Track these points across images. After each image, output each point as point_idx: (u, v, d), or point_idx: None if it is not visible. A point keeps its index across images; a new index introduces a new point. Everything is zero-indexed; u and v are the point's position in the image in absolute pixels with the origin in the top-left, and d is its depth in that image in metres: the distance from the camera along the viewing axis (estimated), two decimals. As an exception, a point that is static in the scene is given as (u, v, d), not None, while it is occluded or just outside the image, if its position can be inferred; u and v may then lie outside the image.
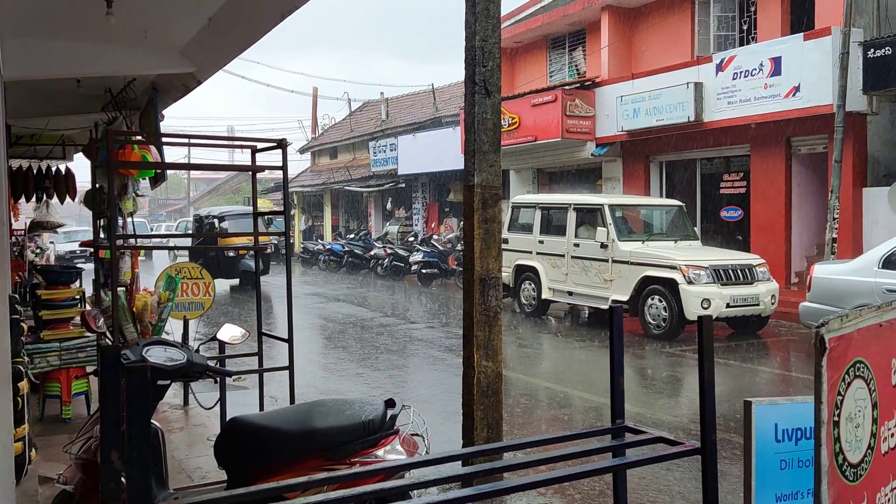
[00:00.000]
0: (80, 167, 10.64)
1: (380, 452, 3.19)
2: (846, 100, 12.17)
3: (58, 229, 12.32)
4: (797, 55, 12.97)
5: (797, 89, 12.98)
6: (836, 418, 1.85)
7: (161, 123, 6.61)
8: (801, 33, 13.23)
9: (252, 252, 15.94)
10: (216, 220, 20.05)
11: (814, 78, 12.71)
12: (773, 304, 11.00)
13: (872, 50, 12.32)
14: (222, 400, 5.73)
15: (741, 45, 15.14)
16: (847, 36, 12.15)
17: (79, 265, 8.93)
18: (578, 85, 17.50)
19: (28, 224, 11.21)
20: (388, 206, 27.85)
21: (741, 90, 13.90)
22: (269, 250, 18.88)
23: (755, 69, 13.64)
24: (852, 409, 1.91)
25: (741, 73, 13.90)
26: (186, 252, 25.99)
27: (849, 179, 12.93)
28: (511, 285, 13.63)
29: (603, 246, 11.88)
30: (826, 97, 12.52)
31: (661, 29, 16.72)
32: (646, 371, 9.14)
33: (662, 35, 16.72)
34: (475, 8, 5.05)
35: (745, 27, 15.42)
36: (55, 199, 9.39)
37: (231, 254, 18.04)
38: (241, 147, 5.82)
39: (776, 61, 13.26)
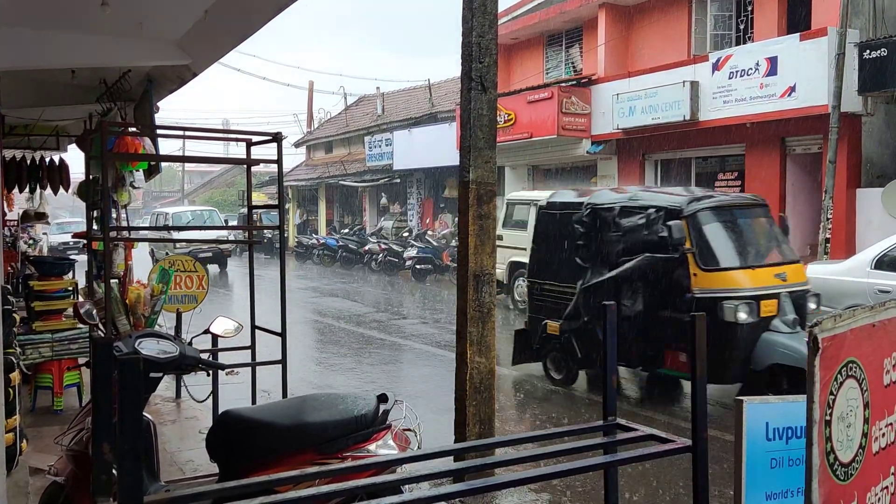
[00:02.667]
0: (74, 158, 10.61)
1: (372, 447, 3.19)
2: (841, 100, 12.20)
3: (49, 220, 12.27)
4: (793, 55, 12.99)
5: (793, 89, 13.00)
6: (827, 418, 1.86)
7: (156, 115, 6.58)
8: (798, 33, 13.25)
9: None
10: (633, 218, 7.57)
11: (809, 78, 12.73)
12: (765, 303, 10.92)
13: (868, 51, 12.35)
14: (214, 393, 5.72)
15: (738, 44, 15.16)
16: (843, 37, 12.17)
17: (72, 256, 8.90)
18: (575, 82, 17.50)
19: (21, 214, 11.18)
20: (383, 201, 27.82)
21: (737, 89, 13.92)
22: None
23: (751, 69, 13.66)
24: (844, 409, 1.92)
25: (737, 72, 13.92)
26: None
27: (843, 180, 12.97)
28: (505, 282, 13.63)
29: (597, 243, 11.82)
30: (821, 97, 12.55)
31: (658, 27, 16.73)
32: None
33: (659, 33, 16.73)
34: (472, 4, 5.04)
35: (741, 26, 15.44)
36: (49, 190, 9.35)
37: (746, 315, 6.81)
38: (237, 140, 5.81)
39: (772, 61, 13.28)
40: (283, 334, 5.18)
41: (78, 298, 6.61)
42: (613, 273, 7.36)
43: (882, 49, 12.20)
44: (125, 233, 6.26)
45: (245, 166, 5.75)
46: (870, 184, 13.21)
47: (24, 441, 4.97)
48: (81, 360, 6.48)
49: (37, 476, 4.57)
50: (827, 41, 12.48)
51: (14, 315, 5.65)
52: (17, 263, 9.19)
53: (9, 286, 7.08)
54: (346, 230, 26.95)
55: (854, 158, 13.24)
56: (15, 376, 4.64)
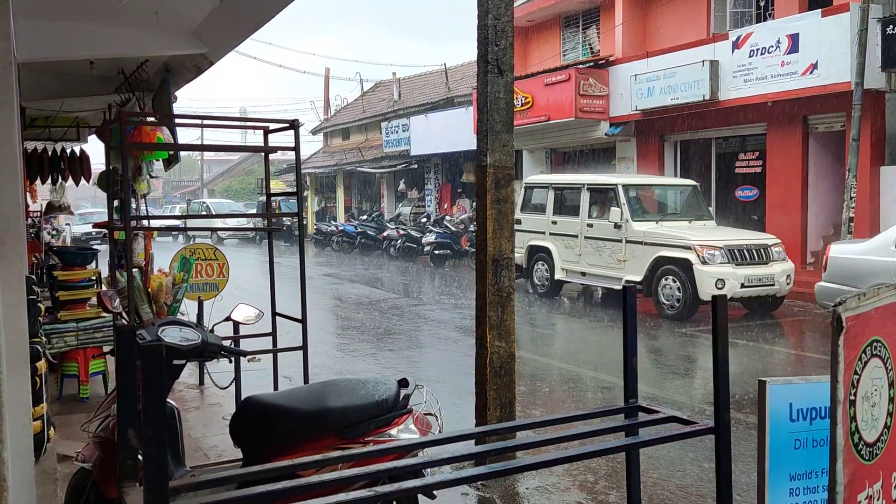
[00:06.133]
0: (95, 149, 10.70)
1: (393, 431, 3.21)
2: (864, 77, 12.00)
3: (73, 211, 12.40)
4: (815, 32, 12.78)
5: (815, 67, 12.80)
6: (852, 397, 1.84)
7: (174, 105, 6.62)
8: (819, 10, 13.03)
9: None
10: None
11: (831, 55, 12.53)
12: (788, 284, 10.92)
13: (891, 26, 12.12)
14: (237, 380, 5.78)
15: (758, 21, 14.94)
16: (866, 12, 11.95)
17: (94, 246, 9.00)
18: (592, 64, 17.35)
19: (44, 206, 11.30)
20: (401, 187, 27.83)
21: (757, 68, 13.73)
22: None
23: (772, 46, 13.46)
24: (869, 389, 1.90)
25: (758, 50, 13.72)
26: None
27: (866, 158, 12.78)
28: (524, 266, 13.61)
29: (617, 226, 11.83)
30: (844, 74, 12.35)
31: (677, 6, 16.52)
32: (659, 351, 9.12)
33: (678, 12, 16.52)
34: (488, -15, 4.99)
35: (762, 3, 15.21)
36: (70, 181, 9.44)
37: None
38: (254, 128, 5.81)
39: (793, 38, 13.08)
40: (303, 321, 5.21)
41: (101, 288, 6.68)
42: None
43: (906, 24, 11.97)
44: (145, 222, 6.31)
45: (263, 154, 5.76)
46: (894, 161, 13.02)
47: (52, 428, 5.05)
48: (106, 349, 6.56)
49: (64, 463, 4.65)
50: (849, 17, 12.26)
51: (39, 305, 5.72)
52: (41, 254, 9.30)
53: (33, 276, 7.18)
54: (365, 216, 26.99)
55: (878, 136, 13.04)
56: (41, 365, 4.71)
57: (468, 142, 18.96)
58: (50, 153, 8.87)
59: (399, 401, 3.29)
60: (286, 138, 5.31)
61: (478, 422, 5.11)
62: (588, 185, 12.77)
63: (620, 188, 11.99)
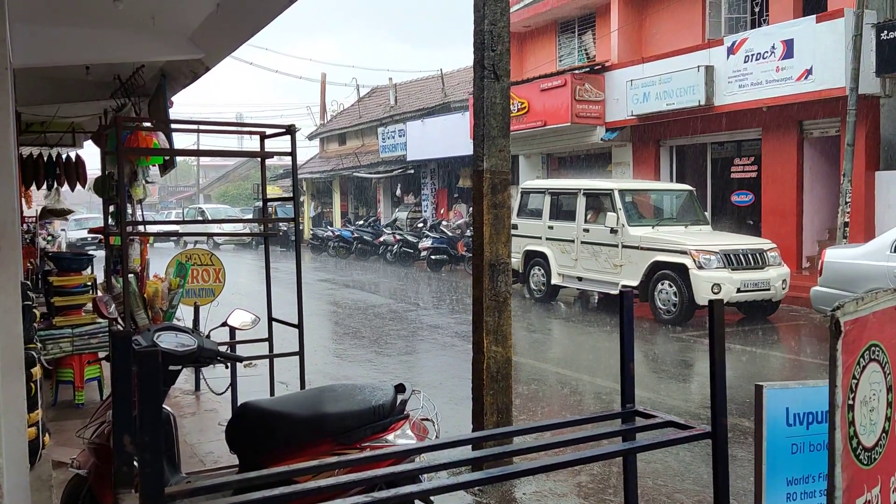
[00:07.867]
0: (90, 154, 10.67)
1: (390, 437, 3.20)
2: (859, 82, 12.05)
3: (68, 216, 12.36)
4: (810, 37, 12.83)
5: (809, 72, 12.85)
6: (850, 402, 1.84)
7: (170, 110, 6.60)
8: (814, 15, 13.09)
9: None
10: None
11: (826, 60, 12.58)
12: (784, 288, 10.94)
13: (885, 32, 12.18)
14: (233, 385, 5.76)
15: (753, 27, 14.99)
16: (860, 18, 12.01)
17: (90, 252, 8.97)
18: (588, 69, 17.40)
19: (39, 211, 11.27)
20: (398, 192, 27.83)
21: (753, 73, 13.77)
22: None
23: (767, 52, 13.50)
24: (867, 393, 1.90)
25: (753, 55, 13.77)
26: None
27: (861, 163, 12.83)
28: (521, 271, 13.61)
29: (613, 231, 11.84)
30: (839, 80, 12.40)
31: (672, 12, 16.58)
32: (656, 356, 9.12)
33: (673, 18, 16.58)
34: (484, -9, 5.00)
35: (756, 9, 15.27)
36: (66, 187, 9.41)
37: None
38: (250, 133, 5.80)
39: (788, 44, 13.13)
40: (300, 326, 5.19)
41: (97, 293, 6.66)
42: None
43: (900, 29, 12.02)
44: (140, 227, 6.30)
45: (259, 159, 5.75)
46: (889, 166, 13.06)
47: (47, 435, 5.03)
48: (101, 355, 6.53)
49: (59, 469, 4.63)
50: (843, 22, 12.32)
51: (34, 311, 5.69)
52: (37, 259, 9.26)
53: (29, 282, 7.15)
54: (361, 222, 26.99)
55: (872, 141, 13.08)
56: (36, 371, 4.68)
57: (464, 147, 18.99)
58: (45, 158, 8.84)
59: (396, 406, 3.28)
60: (283, 143, 5.31)
61: (475, 427, 5.10)
62: (584, 190, 12.78)
63: (616, 193, 12.01)
